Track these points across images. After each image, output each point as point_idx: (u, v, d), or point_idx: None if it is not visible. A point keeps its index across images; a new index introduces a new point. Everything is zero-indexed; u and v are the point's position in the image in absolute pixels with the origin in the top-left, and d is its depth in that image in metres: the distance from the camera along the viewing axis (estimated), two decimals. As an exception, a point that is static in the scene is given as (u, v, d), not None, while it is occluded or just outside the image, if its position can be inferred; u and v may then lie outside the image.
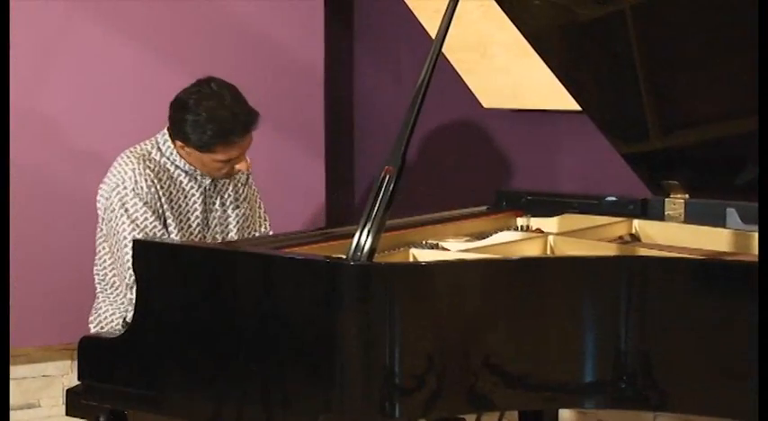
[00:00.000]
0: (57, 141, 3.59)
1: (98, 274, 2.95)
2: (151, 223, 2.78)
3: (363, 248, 2.20)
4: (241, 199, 3.03)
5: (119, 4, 3.65)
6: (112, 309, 2.92)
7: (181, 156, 2.86)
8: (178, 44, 3.74)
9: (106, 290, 2.94)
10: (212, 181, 2.93)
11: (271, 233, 3.13)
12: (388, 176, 2.27)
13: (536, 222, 3.12)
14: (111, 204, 2.79)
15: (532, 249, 2.74)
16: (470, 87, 3.88)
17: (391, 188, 2.26)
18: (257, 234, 3.10)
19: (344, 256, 2.24)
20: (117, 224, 2.78)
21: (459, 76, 3.88)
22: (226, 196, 2.98)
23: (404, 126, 2.34)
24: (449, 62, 3.85)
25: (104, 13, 3.63)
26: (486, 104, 3.89)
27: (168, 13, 3.72)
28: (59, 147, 3.60)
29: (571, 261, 2.44)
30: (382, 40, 4.27)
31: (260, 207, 3.12)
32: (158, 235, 2.79)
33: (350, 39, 4.37)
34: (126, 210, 2.77)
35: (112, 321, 2.91)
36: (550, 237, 2.80)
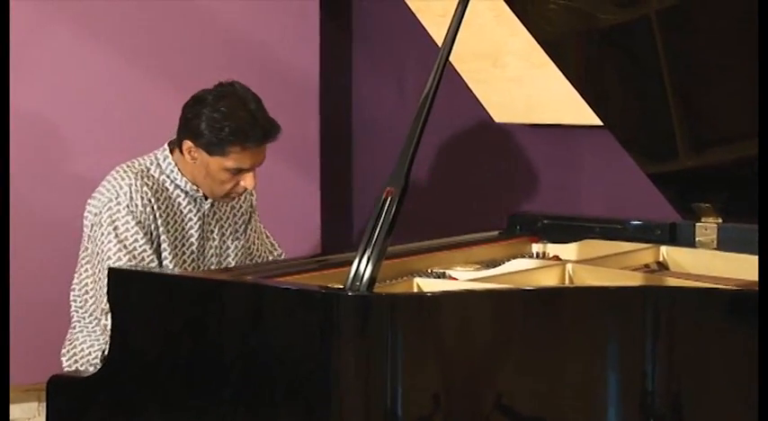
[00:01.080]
0: (21, 157, 3.59)
1: (75, 301, 2.94)
2: (141, 246, 2.79)
3: (362, 277, 2.20)
4: (241, 231, 3.04)
5: (94, 4, 3.66)
6: (90, 340, 2.91)
7: (182, 170, 2.86)
8: (157, 50, 3.75)
9: (84, 318, 2.92)
10: (212, 206, 2.94)
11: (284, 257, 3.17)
12: (389, 198, 2.27)
13: (553, 249, 3.12)
14: (101, 221, 2.80)
15: (549, 278, 2.74)
16: (480, 100, 3.89)
17: (393, 211, 2.26)
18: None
19: (342, 286, 2.24)
20: (103, 242, 2.79)
21: (469, 87, 3.89)
22: (226, 226, 3.00)
23: (407, 142, 2.34)
24: (457, 72, 3.86)
25: (78, 18, 3.65)
26: (497, 118, 3.90)
27: (146, 18, 3.74)
28: (24, 165, 3.60)
29: (592, 291, 2.44)
30: (383, 47, 4.29)
31: (267, 236, 3.16)
32: (147, 260, 2.80)
33: (348, 45, 4.39)
34: (115, 229, 2.78)
35: (90, 354, 2.90)
36: (569, 266, 2.80)
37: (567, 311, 2.33)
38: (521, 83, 3.75)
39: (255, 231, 3.09)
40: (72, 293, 2.95)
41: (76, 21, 3.65)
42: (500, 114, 3.88)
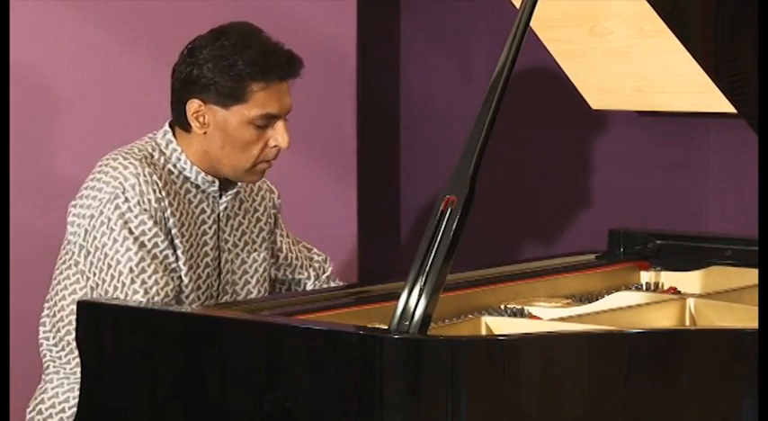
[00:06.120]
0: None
1: (47, 338, 2.89)
2: (161, 252, 2.78)
3: (413, 315, 2.21)
4: (267, 240, 3.02)
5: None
6: (65, 389, 2.88)
7: (189, 156, 2.87)
8: (146, 23, 3.78)
9: (61, 357, 2.89)
10: (230, 207, 2.93)
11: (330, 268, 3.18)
12: (449, 209, 2.28)
13: (669, 278, 3.13)
14: (104, 223, 2.77)
15: (664, 318, 2.75)
16: (572, 79, 3.89)
17: (455, 227, 2.26)
18: (325, 273, 3.16)
19: (386, 327, 2.24)
20: (108, 245, 2.76)
21: (557, 63, 3.89)
22: (248, 233, 2.99)
23: (473, 136, 2.35)
24: (541, 42, 3.86)
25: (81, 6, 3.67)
26: (595, 105, 3.89)
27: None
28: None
29: (721, 336, 2.44)
30: (441, 10, 4.30)
31: (298, 240, 3.14)
32: (171, 267, 2.78)
33: (395, 10, 4.40)
34: (130, 231, 2.76)
35: (63, 410, 2.89)
36: (690, 301, 2.81)
37: (687, 362, 2.33)
38: (627, 57, 3.74)
39: (286, 236, 3.08)
40: (42, 330, 2.91)
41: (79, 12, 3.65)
42: (598, 99, 3.87)
